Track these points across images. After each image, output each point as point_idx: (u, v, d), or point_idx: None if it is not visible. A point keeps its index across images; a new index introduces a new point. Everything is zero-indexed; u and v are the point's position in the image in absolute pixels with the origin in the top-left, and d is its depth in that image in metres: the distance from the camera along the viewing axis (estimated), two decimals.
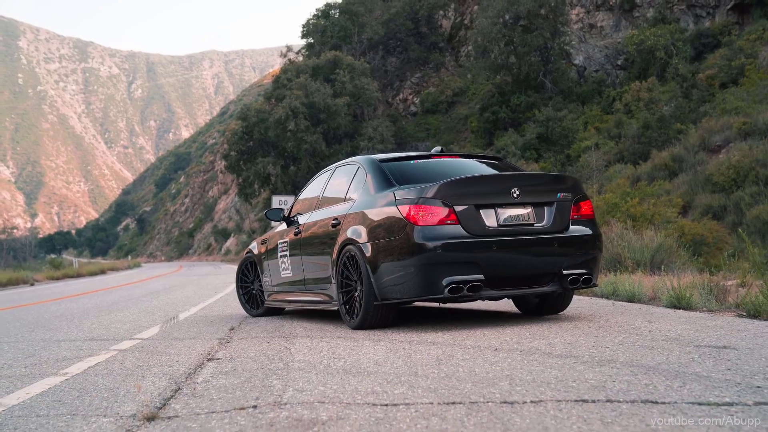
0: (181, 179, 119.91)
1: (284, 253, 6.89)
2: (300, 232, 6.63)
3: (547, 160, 36.93)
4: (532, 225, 5.29)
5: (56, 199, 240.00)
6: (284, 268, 6.90)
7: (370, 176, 5.83)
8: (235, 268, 32.01)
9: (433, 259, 4.97)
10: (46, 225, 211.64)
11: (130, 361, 4.56)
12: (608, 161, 31.71)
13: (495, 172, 6.02)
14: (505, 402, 2.71)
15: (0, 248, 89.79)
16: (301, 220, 6.77)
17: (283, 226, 7.20)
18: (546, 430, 2.28)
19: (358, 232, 5.50)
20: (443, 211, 5.05)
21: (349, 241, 5.58)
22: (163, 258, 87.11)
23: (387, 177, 5.69)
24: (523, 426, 2.35)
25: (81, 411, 3.09)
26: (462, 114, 50.23)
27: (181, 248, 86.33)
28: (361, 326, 5.47)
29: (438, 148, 6.37)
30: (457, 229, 5.05)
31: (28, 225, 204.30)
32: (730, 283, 7.34)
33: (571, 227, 5.41)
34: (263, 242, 7.66)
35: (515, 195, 5.23)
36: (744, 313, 5.35)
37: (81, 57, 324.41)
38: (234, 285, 10.97)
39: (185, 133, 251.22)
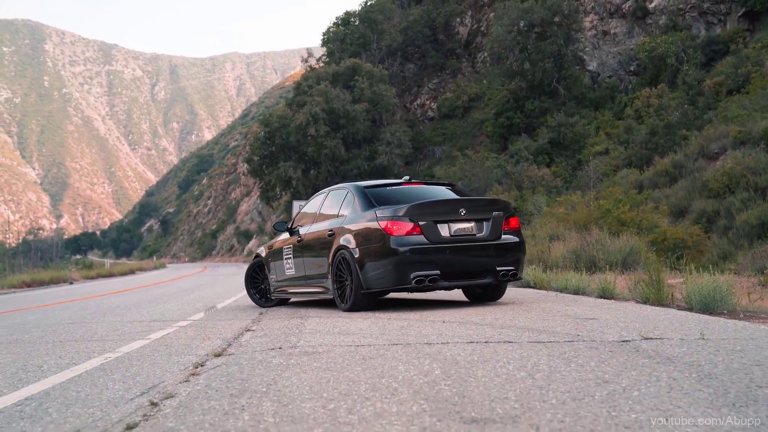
0: (204, 181, 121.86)
1: (288, 255, 8.93)
2: (301, 240, 8.67)
3: (558, 164, 38.10)
4: (474, 235, 7.31)
5: (81, 200, 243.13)
6: (288, 267, 8.93)
7: (357, 199, 7.89)
8: None
9: (404, 260, 6.98)
10: (71, 226, 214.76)
11: (191, 331, 6.44)
12: (616, 166, 32.78)
13: (451, 195, 8.17)
14: (427, 343, 4.58)
15: (28, 249, 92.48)
16: (302, 231, 8.80)
17: (287, 235, 9.29)
18: (440, 353, 4.12)
19: (349, 240, 7.50)
20: (410, 226, 7.07)
21: (342, 247, 7.57)
22: (186, 259, 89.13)
23: (369, 199, 7.75)
24: (431, 352, 4.20)
25: (173, 353, 4.97)
26: (478, 119, 51.70)
27: (204, 249, 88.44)
28: (351, 309, 7.48)
29: (406, 177, 8.60)
30: (421, 238, 7.08)
31: (54, 226, 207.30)
32: (673, 281, 9.12)
33: (503, 236, 7.46)
34: (270, 248, 9.79)
35: (462, 213, 7.27)
36: (641, 301, 7.14)
37: (105, 60, 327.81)
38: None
39: (207, 135, 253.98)
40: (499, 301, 7.99)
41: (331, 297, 7.99)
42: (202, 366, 4.27)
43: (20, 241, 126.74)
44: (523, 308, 6.91)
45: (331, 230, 7.99)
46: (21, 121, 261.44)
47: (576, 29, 44.62)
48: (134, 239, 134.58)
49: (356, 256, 7.30)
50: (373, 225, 7.27)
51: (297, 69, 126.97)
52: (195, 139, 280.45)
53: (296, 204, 33.79)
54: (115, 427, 2.84)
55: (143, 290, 17.04)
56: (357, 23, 61.01)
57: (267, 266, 9.61)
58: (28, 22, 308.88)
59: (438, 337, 4.88)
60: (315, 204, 9.10)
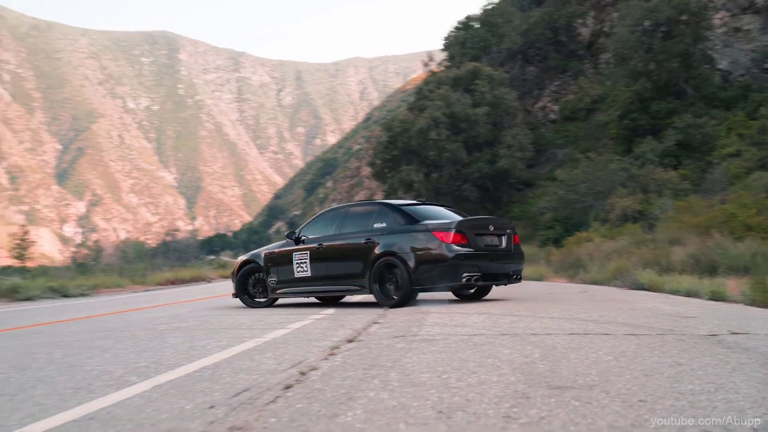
0: (329, 184, 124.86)
1: (303, 260, 10.14)
2: (322, 246, 10.00)
3: (686, 167, 37.08)
4: (498, 246, 9.41)
5: (213, 203, 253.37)
6: (301, 270, 10.15)
7: (395, 214, 9.56)
8: None
9: (456, 263, 8.77)
10: (204, 227, 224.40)
11: (325, 323, 7.30)
12: (749, 168, 31.65)
13: (452, 213, 10.10)
14: (532, 334, 5.21)
15: (166, 249, 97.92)
16: (320, 241, 10.11)
17: (292, 244, 10.54)
18: (542, 342, 4.74)
19: (399, 246, 9.09)
20: (459, 236, 8.86)
21: (388, 252, 9.15)
22: None
23: (410, 215, 9.48)
24: (534, 340, 4.83)
25: (311, 339, 5.81)
26: (601, 121, 50.92)
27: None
28: (399, 304, 9.02)
29: (422, 199, 11.20)
30: (467, 247, 8.87)
31: (189, 227, 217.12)
32: None
33: (513, 248, 9.66)
34: (270, 254, 10.91)
35: (491, 229, 9.38)
36: (748, 303, 7.45)
37: (235, 67, 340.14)
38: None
39: (332, 139, 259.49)
40: (605, 299, 8.47)
41: (360, 294, 9.67)
42: (337, 348, 5.06)
43: (160, 242, 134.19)
44: (629, 307, 7.38)
45: (368, 238, 9.45)
46: (159, 127, 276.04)
47: (705, 27, 43.17)
48: (263, 240, 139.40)
49: (410, 259, 8.91)
50: (427, 235, 8.97)
51: (418, 72, 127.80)
52: (320, 143, 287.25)
53: None
54: (275, 387, 3.65)
55: None
56: (477, 27, 61.29)
57: (266, 271, 10.68)
58: (165, 33, 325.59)
59: (543, 330, 5.49)
60: (329, 222, 10.44)
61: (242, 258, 11.48)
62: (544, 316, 6.81)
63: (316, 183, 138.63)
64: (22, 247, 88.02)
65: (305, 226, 10.79)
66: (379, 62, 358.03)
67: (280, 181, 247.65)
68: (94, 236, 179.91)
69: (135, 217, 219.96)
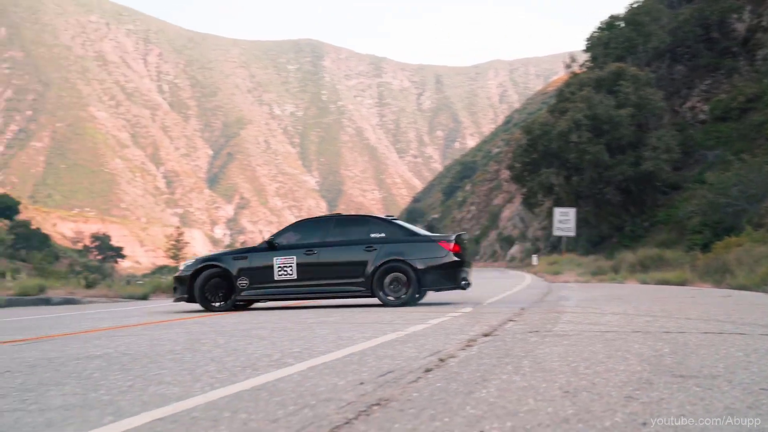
0: (467, 187, 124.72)
1: (288, 264, 10.79)
2: (313, 253, 10.85)
3: None
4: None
5: (354, 206, 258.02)
6: (286, 273, 10.78)
7: (393, 227, 11.03)
8: (519, 273, 34.75)
9: (458, 268, 10.59)
10: None
11: (462, 320, 7.63)
12: None
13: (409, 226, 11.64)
14: (665, 332, 5.32)
15: None
16: (307, 246, 10.96)
17: (260, 249, 11.26)
18: (674, 339, 4.86)
19: (406, 253, 10.54)
20: (459, 247, 10.69)
21: (393, 259, 10.48)
22: None
23: (406, 227, 11.24)
24: (666, 338, 4.96)
25: (449, 333, 6.17)
26: (756, 121, 48.34)
27: (468, 254, 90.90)
28: (406, 303, 10.39)
29: (393, 215, 12.14)
30: (460, 255, 10.66)
31: None
32: None
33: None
34: (240, 258, 11.25)
35: (466, 240, 11.70)
36: None
37: (376, 72, 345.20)
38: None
39: (471, 142, 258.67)
40: (749, 303, 8.31)
41: (359, 296, 10.79)
42: (473, 341, 5.39)
43: None
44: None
45: (370, 246, 10.66)
46: (302, 132, 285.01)
47: None
48: None
49: (418, 264, 10.43)
50: (433, 245, 10.74)
51: (560, 74, 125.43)
52: (459, 147, 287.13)
53: (557, 211, 34.28)
54: (416, 370, 4.04)
55: None
56: (622, 26, 59.57)
57: (236, 275, 10.92)
58: (310, 41, 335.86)
59: (677, 329, 5.60)
60: (306, 229, 11.53)
61: (190, 262, 11.67)
62: (680, 317, 6.85)
63: (455, 186, 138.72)
64: (177, 247, 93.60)
65: (278, 234, 11.44)
66: (519, 64, 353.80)
67: (419, 185, 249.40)
68: (241, 238, 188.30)
69: (279, 220, 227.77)
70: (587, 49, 61.58)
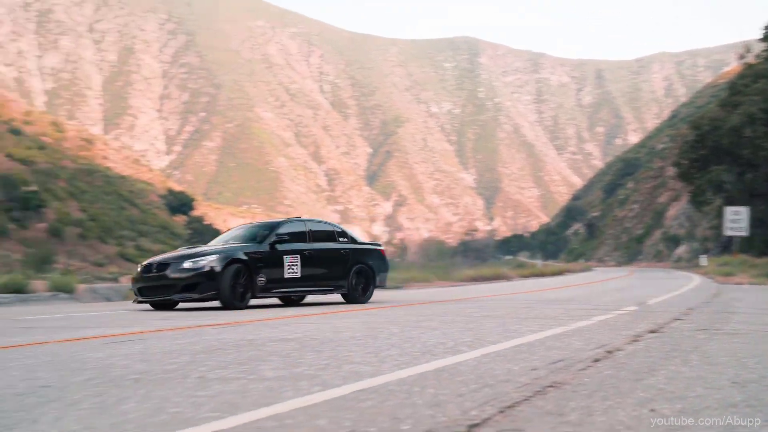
0: (629, 185, 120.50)
1: (294, 263, 11.27)
2: (309, 254, 11.79)
3: None
4: None
5: (511, 203, 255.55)
6: (292, 272, 11.20)
7: (345, 233, 12.71)
8: (686, 274, 33.44)
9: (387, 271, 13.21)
10: (501, 228, 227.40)
11: (627, 317, 7.73)
12: None
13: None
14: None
15: (465, 248, 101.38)
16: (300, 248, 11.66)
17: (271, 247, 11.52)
18: None
19: (366, 258, 12.32)
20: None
21: (360, 261, 12.09)
22: (612, 263, 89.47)
23: (352, 236, 12.67)
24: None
25: (614, 329, 6.33)
26: None
27: (630, 254, 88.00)
28: (368, 300, 12.09)
29: (299, 216, 12.89)
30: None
31: (487, 228, 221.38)
32: None
33: None
34: (258, 257, 11.22)
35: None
36: None
37: (533, 68, 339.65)
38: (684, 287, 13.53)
39: (633, 138, 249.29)
40: None
41: (337, 293, 11.94)
42: (640, 337, 5.55)
43: (459, 241, 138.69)
44: None
45: (344, 249, 12.10)
46: (459, 130, 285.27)
47: None
48: (560, 242, 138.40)
49: (375, 267, 12.34)
50: (378, 251, 13.03)
51: (732, 65, 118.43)
52: (620, 143, 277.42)
53: (728, 210, 32.72)
54: (585, 360, 4.30)
55: (576, 288, 18.68)
56: None
57: (257, 272, 10.74)
58: (467, 38, 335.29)
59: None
60: (294, 228, 11.98)
61: (191, 253, 10.94)
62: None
63: (616, 184, 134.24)
64: None
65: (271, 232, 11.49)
66: (686, 56, 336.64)
67: (578, 182, 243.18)
68: (399, 235, 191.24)
69: (436, 217, 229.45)
70: (764, 38, 57.98)
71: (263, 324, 7.51)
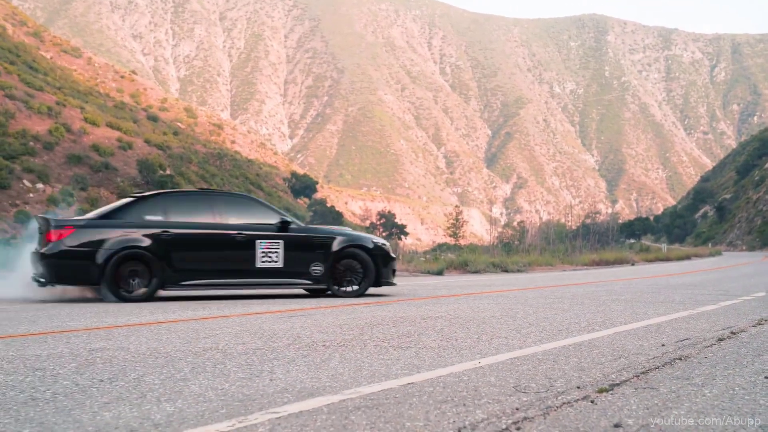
0: (766, 165, 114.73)
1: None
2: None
3: None
4: None
5: (635, 185, 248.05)
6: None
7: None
8: None
9: None
10: (624, 211, 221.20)
11: (754, 303, 8.05)
12: None
13: None
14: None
15: (586, 231, 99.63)
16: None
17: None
18: None
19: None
20: None
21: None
22: (744, 248, 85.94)
23: None
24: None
25: (740, 313, 6.72)
26: None
27: (764, 239, 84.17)
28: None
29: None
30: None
31: (609, 210, 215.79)
32: None
33: None
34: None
35: None
36: None
37: (664, 45, 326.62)
38: None
39: None
40: None
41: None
42: (765, 320, 5.96)
43: (580, 224, 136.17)
44: None
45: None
46: (582, 110, 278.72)
47: None
48: (687, 225, 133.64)
49: None
50: None
51: None
52: (757, 121, 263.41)
53: None
54: (709, 339, 4.84)
55: (703, 273, 18.60)
56: None
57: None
58: (594, 16, 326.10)
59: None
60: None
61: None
62: None
63: (752, 165, 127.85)
64: (456, 226, 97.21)
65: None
66: None
67: (708, 163, 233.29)
68: (518, 217, 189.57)
69: (556, 200, 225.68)
70: None
71: (408, 303, 8.31)
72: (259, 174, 78.30)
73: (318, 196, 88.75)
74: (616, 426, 2.54)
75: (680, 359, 4.01)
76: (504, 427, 2.52)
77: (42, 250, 8.43)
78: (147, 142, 56.29)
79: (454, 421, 2.59)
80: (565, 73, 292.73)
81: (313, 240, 9.70)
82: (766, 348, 4.36)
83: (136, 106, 72.96)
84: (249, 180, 71.73)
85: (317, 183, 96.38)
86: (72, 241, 8.44)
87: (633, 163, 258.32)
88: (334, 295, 9.41)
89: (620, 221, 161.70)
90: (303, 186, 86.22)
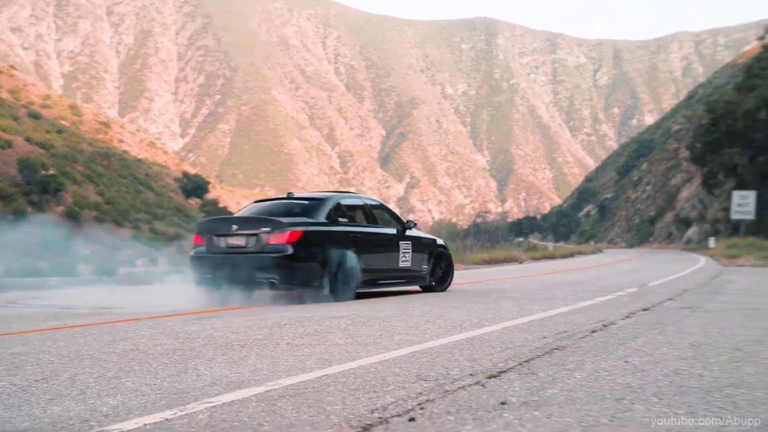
0: (643, 166, 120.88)
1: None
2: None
3: None
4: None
5: (523, 185, 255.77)
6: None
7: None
8: (694, 256, 34.36)
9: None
10: (513, 210, 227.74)
11: (626, 298, 8.87)
12: None
13: None
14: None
15: (477, 230, 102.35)
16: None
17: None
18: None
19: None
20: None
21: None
22: (623, 245, 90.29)
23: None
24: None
25: (613, 307, 7.47)
26: None
27: (641, 236, 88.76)
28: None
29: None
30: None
31: (499, 209, 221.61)
32: None
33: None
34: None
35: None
36: None
37: (551, 49, 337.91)
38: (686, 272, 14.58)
39: (649, 119, 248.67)
40: None
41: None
42: (633, 314, 6.70)
43: (471, 223, 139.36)
44: None
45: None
46: (474, 112, 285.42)
47: None
48: (572, 224, 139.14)
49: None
50: None
51: (755, 44, 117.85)
52: (636, 124, 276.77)
53: (736, 194, 33.59)
54: (584, 331, 5.48)
55: (585, 270, 19.80)
56: None
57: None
58: (485, 19, 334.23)
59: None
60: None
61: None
62: None
63: (630, 165, 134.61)
64: None
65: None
66: (707, 35, 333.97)
67: (592, 164, 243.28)
68: (411, 217, 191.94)
69: (449, 199, 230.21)
70: None
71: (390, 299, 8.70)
72: (149, 174, 76.55)
73: (210, 196, 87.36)
74: (503, 403, 3.05)
75: (558, 349, 4.58)
76: (410, 407, 2.98)
77: (275, 255, 8.38)
78: (28, 140, 54.21)
79: (368, 405, 3.04)
80: (458, 75, 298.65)
81: (423, 241, 10.85)
82: (630, 338, 5.01)
83: (16, 103, 69.80)
84: (138, 180, 70.04)
85: (209, 183, 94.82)
86: (303, 243, 8.58)
87: (522, 164, 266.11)
88: (430, 290, 10.78)
89: (509, 220, 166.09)
90: (195, 186, 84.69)
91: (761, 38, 59.44)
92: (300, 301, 8.71)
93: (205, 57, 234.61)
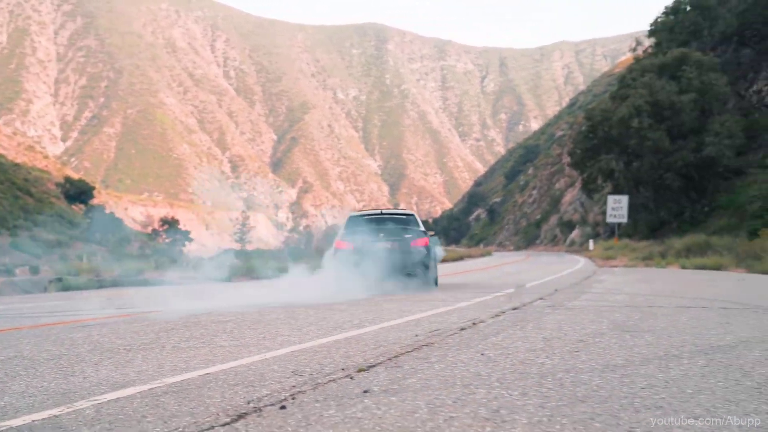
0: (530, 171, 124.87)
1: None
2: None
3: None
4: None
5: (415, 189, 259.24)
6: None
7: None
8: (575, 257, 36.04)
9: None
10: None
11: (502, 299, 9.43)
12: None
13: None
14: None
15: None
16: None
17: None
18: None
19: None
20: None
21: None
22: (511, 247, 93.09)
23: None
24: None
25: (487, 308, 7.98)
26: None
27: (528, 238, 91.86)
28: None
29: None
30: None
31: None
32: None
33: None
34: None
35: None
36: None
37: (440, 56, 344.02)
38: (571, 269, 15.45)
39: (534, 125, 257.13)
40: (753, 286, 9.89)
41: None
42: (503, 312, 7.21)
43: None
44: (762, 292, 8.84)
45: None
46: (365, 116, 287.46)
47: None
48: (463, 227, 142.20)
49: None
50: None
51: (628, 55, 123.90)
52: (522, 130, 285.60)
53: (611, 199, 35.43)
54: (454, 329, 5.92)
55: (471, 273, 20.57)
56: (688, 10, 59.38)
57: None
58: (374, 25, 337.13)
59: (667, 304, 7.28)
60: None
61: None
62: (677, 296, 8.52)
63: (517, 170, 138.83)
64: (242, 231, 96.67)
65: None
66: (586, 45, 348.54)
67: (481, 168, 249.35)
68: (304, 222, 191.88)
69: (341, 204, 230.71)
70: (651, 34, 61.58)
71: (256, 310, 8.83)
72: (28, 179, 73.41)
73: (95, 201, 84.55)
74: (365, 391, 3.40)
75: (426, 345, 4.99)
76: (283, 398, 3.29)
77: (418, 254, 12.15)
78: None
79: (245, 397, 3.33)
80: (349, 80, 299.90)
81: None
82: (493, 333, 5.48)
83: None
84: (16, 185, 67.09)
85: (94, 188, 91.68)
86: (428, 245, 12.50)
87: (413, 168, 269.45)
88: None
89: None
90: (78, 191, 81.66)
91: (633, 50, 62.68)
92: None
93: (87, 58, 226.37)
